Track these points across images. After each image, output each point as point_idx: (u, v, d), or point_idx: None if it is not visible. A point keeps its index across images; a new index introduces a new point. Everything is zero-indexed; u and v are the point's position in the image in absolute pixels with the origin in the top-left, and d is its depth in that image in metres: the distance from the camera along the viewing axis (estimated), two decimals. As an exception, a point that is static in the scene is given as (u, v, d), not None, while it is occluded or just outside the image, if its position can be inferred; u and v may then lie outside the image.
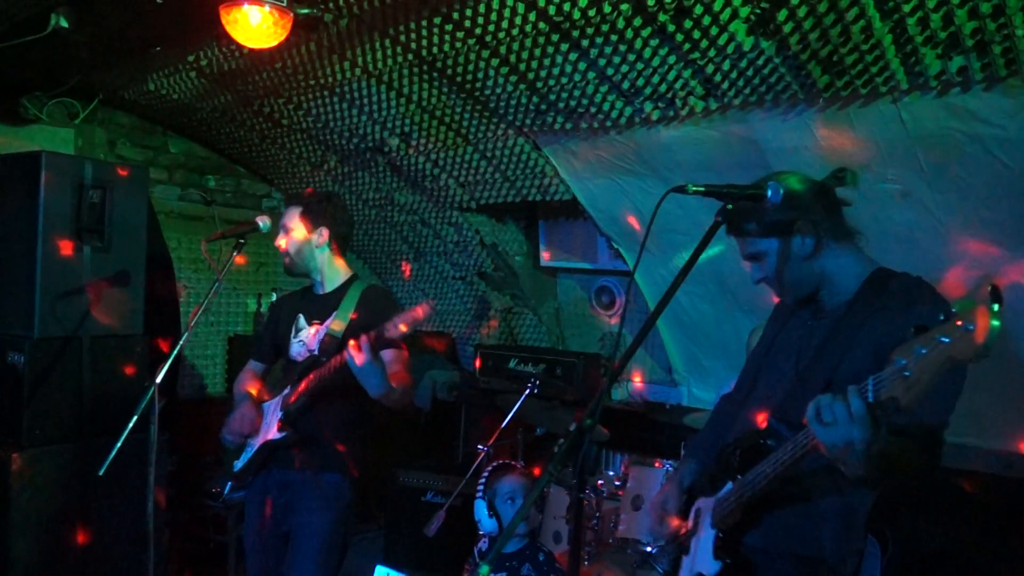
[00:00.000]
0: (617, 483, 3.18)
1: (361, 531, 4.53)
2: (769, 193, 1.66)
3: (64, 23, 3.15)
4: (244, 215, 5.17)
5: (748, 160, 3.18)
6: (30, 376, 3.24)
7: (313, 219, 2.83)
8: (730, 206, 1.66)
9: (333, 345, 2.68)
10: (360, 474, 2.79)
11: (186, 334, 2.56)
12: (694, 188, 1.65)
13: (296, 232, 2.83)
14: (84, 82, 4.23)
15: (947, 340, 1.22)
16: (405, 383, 2.65)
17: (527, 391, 3.26)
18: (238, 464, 2.85)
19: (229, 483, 2.88)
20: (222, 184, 5.23)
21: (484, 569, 1.43)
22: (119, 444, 2.35)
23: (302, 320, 2.88)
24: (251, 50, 3.55)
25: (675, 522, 2.03)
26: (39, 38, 3.29)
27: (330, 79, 3.77)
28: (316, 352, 2.73)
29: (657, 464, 3.00)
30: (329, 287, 2.87)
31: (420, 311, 2.36)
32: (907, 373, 1.28)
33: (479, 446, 3.27)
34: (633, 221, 3.89)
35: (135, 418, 2.41)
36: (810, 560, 1.74)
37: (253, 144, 4.80)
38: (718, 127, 3.11)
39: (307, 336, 2.82)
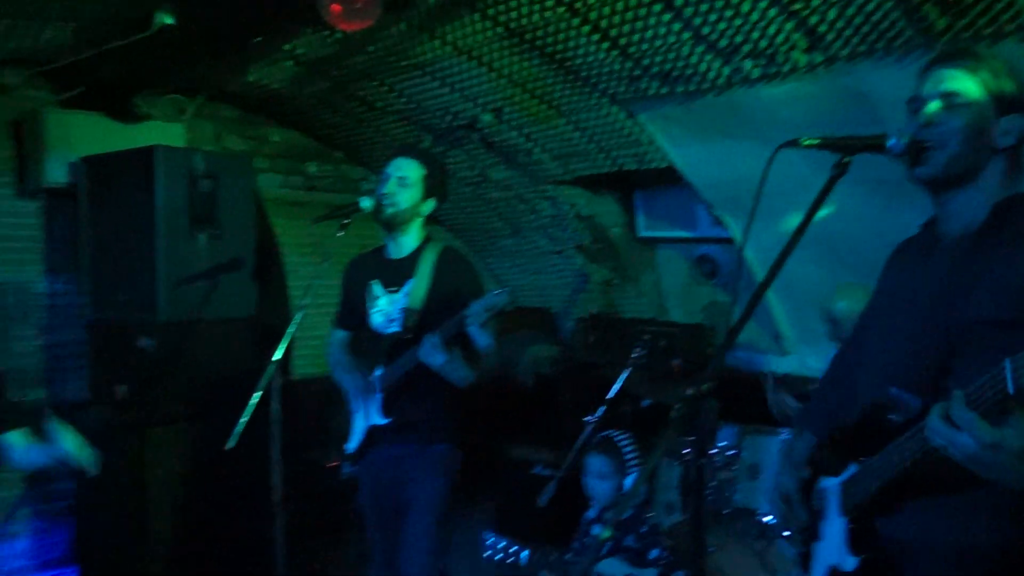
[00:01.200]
0: (730, 452, 3.12)
1: (472, 504, 4.63)
2: (891, 142, 1.56)
3: (168, 20, 3.27)
4: (344, 199, 5.29)
5: (857, 115, 3.02)
6: (157, 358, 3.43)
7: (431, 187, 2.79)
8: (847, 159, 1.57)
9: (414, 320, 2.67)
10: (466, 446, 2.82)
11: (299, 314, 2.64)
12: (808, 141, 1.57)
13: (413, 190, 2.76)
14: (191, 78, 4.41)
15: None
16: (494, 353, 2.67)
17: (632, 363, 3.22)
18: (349, 447, 2.91)
19: (345, 463, 2.96)
20: (322, 170, 5.37)
21: (606, 533, 1.44)
22: (245, 419, 2.47)
23: (378, 288, 2.84)
24: (344, 35, 3.63)
25: (797, 503, 1.87)
26: (146, 37, 3.45)
27: (421, 58, 3.80)
28: (399, 328, 2.72)
29: (773, 433, 2.92)
30: (405, 251, 2.83)
31: (498, 300, 2.35)
32: None
33: (584, 418, 3.26)
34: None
35: (258, 394, 2.52)
36: (974, 551, 1.44)
37: (349, 129, 4.90)
38: (823, 82, 2.97)
39: (386, 306, 2.79)
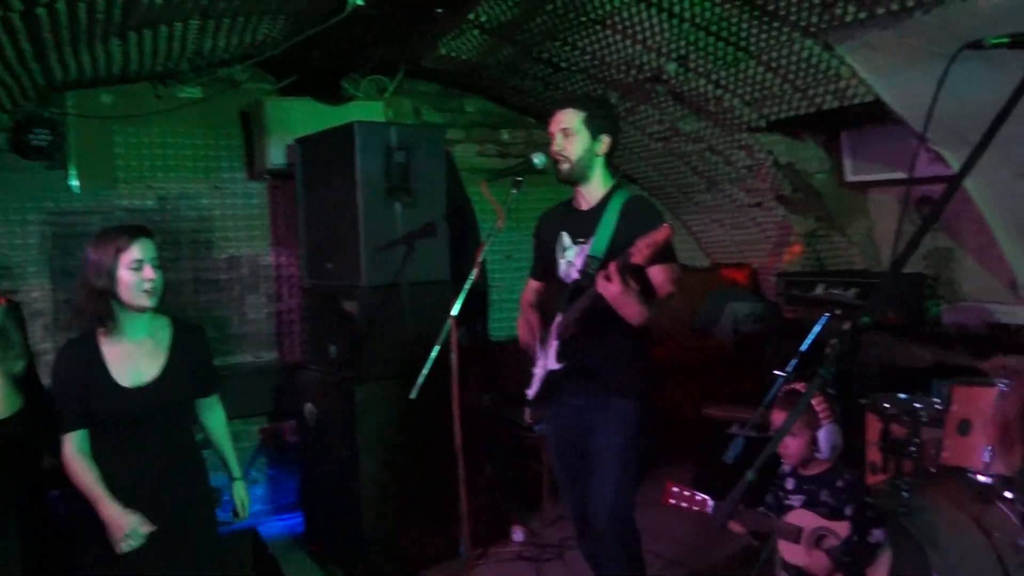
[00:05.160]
0: (938, 406, 2.80)
1: (671, 464, 4.58)
2: (1104, 30, 1.31)
3: (359, 1, 3.47)
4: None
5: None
6: (362, 320, 3.70)
7: (597, 126, 2.74)
8: (1047, 55, 1.34)
9: (595, 267, 2.63)
10: (651, 399, 2.77)
11: (474, 270, 2.73)
12: (995, 41, 1.37)
13: (580, 138, 2.73)
14: (388, 57, 4.67)
15: None
16: (669, 296, 2.56)
17: (826, 316, 2.98)
18: (530, 392, 2.98)
19: (538, 423, 3.01)
20: (515, 136, 5.49)
21: (750, 474, 1.40)
22: (425, 371, 2.60)
23: (566, 239, 2.85)
24: (522, -3, 3.66)
25: None
26: (344, 21, 3.69)
27: (599, 11, 3.73)
28: (580, 277, 2.71)
29: (986, 386, 2.59)
30: (593, 201, 2.80)
31: (659, 234, 2.25)
32: None
33: (774, 372, 3.09)
34: None
35: (437, 348, 2.64)
36: None
37: (537, 93, 4.94)
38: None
39: (573, 256, 2.80)
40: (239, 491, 2.78)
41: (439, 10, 3.74)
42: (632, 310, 2.44)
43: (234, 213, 4.64)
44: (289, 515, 4.56)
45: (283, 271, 4.76)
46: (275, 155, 4.44)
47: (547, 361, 2.83)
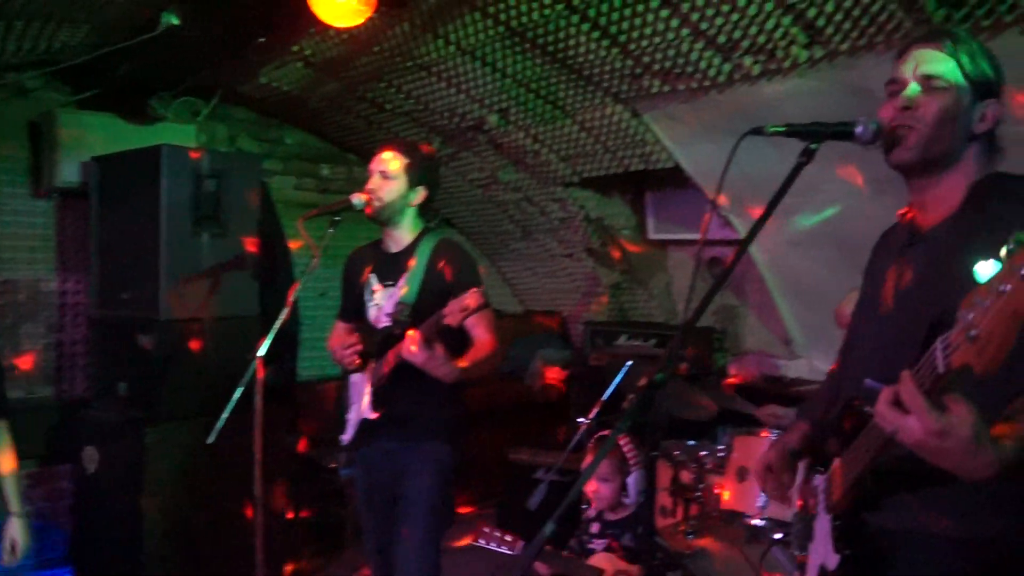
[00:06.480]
0: (721, 454, 3.06)
1: (478, 507, 4.62)
2: (858, 130, 1.51)
3: (175, 20, 3.32)
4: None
5: (863, 110, 2.93)
6: (158, 356, 3.45)
7: (416, 176, 2.73)
8: (814, 146, 1.52)
9: (406, 314, 2.62)
10: (462, 443, 2.78)
11: (286, 309, 2.64)
12: (773, 129, 1.54)
13: (398, 183, 2.72)
14: (205, 80, 4.46)
15: (1007, 288, 0.94)
16: (489, 348, 2.59)
17: (627, 365, 3.16)
18: (344, 438, 2.90)
19: (343, 467, 2.92)
20: (335, 172, 5.39)
21: (549, 527, 1.41)
22: (225, 415, 2.47)
23: (375, 280, 2.82)
24: (349, 35, 3.64)
25: (785, 481, 1.85)
26: (155, 38, 3.49)
27: (426, 58, 3.80)
28: (390, 323, 2.68)
29: (764, 434, 2.85)
30: (402, 243, 2.79)
31: (468, 300, 2.29)
32: (973, 333, 0.99)
33: (578, 419, 3.22)
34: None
35: (240, 390, 2.51)
36: (969, 542, 1.38)
37: (361, 131, 4.92)
38: (826, 76, 2.91)
39: (382, 299, 2.77)
40: (16, 528, 2.45)
41: (262, 39, 3.64)
42: (441, 372, 2.44)
43: (13, 232, 4.17)
44: (56, 570, 4.08)
45: (68, 299, 4.33)
46: (67, 172, 4.06)
47: (361, 408, 2.77)
